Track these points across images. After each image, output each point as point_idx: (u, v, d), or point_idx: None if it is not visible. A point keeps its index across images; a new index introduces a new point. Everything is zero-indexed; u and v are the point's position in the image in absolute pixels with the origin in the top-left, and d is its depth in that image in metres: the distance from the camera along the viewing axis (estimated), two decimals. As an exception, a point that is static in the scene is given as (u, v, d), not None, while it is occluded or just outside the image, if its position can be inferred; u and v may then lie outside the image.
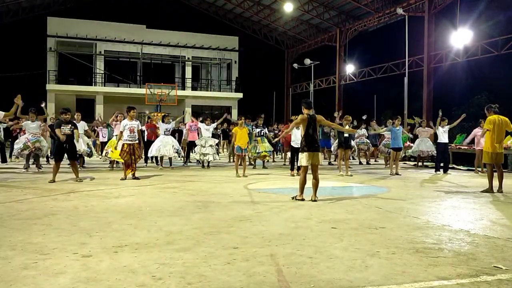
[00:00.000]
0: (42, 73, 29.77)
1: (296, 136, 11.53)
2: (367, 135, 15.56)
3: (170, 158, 13.24)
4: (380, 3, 25.06)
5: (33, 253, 3.89)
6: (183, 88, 32.80)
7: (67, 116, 9.43)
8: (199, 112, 20.38)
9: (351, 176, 11.49)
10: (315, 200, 7.10)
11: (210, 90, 34.54)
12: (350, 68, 28.10)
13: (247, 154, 11.53)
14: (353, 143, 14.01)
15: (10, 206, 6.23)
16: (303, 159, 7.27)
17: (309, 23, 31.04)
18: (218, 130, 20.06)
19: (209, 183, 9.62)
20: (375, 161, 17.41)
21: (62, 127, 9.32)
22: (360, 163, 16.46)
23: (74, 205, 6.36)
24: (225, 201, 7.08)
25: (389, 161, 13.14)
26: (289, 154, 14.58)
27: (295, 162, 11.55)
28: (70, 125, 9.42)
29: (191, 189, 8.49)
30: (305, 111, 7.40)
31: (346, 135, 11.93)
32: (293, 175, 11.37)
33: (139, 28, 31.54)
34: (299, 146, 11.53)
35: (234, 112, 34.37)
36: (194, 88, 34.12)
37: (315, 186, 7.22)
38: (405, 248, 4.19)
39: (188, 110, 32.72)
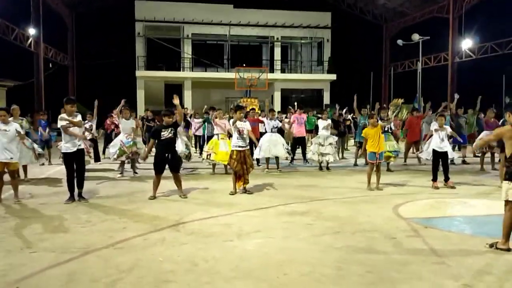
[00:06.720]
0: (131, 59, 29.33)
1: (440, 137, 9.00)
2: None
3: (277, 159, 11.32)
4: (508, -36, 21.01)
5: None
6: (272, 70, 30.83)
7: (170, 119, 7.71)
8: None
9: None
10: (530, 253, 4.73)
11: (300, 72, 32.20)
12: (466, 44, 24.18)
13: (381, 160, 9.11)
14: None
15: (108, 258, 4.56)
16: (510, 191, 4.87)
17: (414, -7, 27.41)
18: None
19: (343, 203, 7.50)
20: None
21: (162, 133, 7.67)
22: None
23: (190, 259, 4.55)
24: (391, 246, 5.00)
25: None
26: (418, 152, 12.07)
27: (437, 171, 9.03)
28: (170, 129, 7.72)
29: (328, 217, 6.43)
30: (510, 118, 5.00)
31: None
32: (436, 187, 8.86)
33: (226, 8, 30.00)
34: (443, 150, 9.08)
35: (326, 95, 31.80)
36: (283, 71, 32.02)
37: (531, 232, 4.84)
38: None
39: (277, 94, 30.82)
